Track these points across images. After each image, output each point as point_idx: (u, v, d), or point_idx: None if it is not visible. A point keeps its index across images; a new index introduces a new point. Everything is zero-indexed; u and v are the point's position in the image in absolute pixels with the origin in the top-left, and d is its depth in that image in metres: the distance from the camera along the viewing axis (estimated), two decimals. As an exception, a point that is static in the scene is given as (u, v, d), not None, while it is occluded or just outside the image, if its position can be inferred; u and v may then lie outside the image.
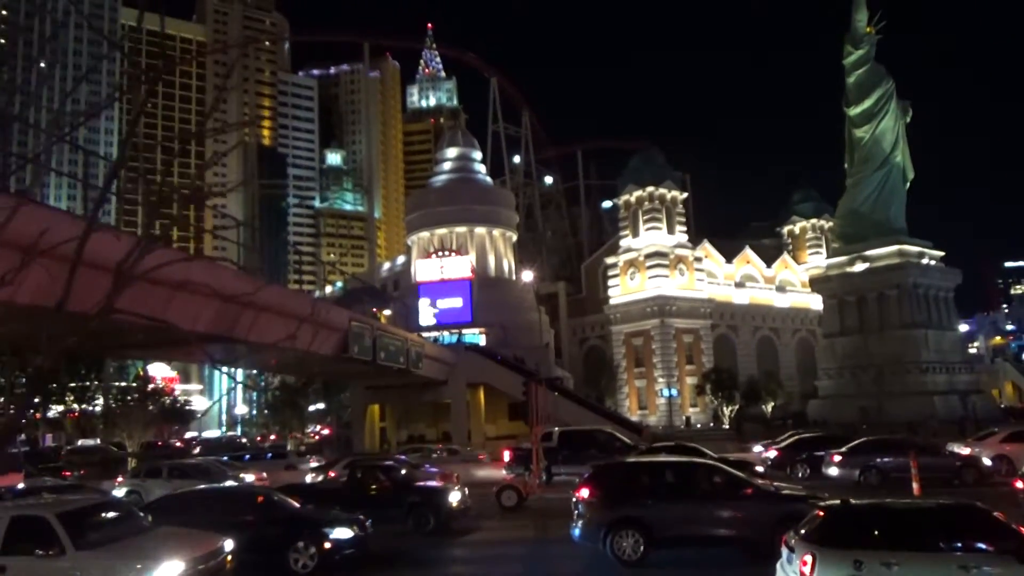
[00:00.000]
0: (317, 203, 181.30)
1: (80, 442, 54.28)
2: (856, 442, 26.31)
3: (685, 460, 16.03)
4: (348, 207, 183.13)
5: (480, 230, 72.50)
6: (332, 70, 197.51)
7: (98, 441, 53.38)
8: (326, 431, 69.27)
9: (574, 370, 79.40)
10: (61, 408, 58.50)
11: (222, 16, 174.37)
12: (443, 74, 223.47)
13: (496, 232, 73.64)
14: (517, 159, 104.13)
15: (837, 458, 25.31)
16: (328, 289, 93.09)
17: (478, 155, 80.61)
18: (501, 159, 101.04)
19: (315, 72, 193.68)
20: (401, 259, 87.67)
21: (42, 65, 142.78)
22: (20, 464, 28.94)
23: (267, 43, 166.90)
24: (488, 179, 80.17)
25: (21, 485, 26.48)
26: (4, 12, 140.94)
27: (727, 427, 63.35)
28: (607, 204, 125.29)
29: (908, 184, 69.89)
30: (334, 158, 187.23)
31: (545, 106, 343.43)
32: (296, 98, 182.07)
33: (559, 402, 44.36)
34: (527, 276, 69.56)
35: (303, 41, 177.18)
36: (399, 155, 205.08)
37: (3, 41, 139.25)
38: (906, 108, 69.92)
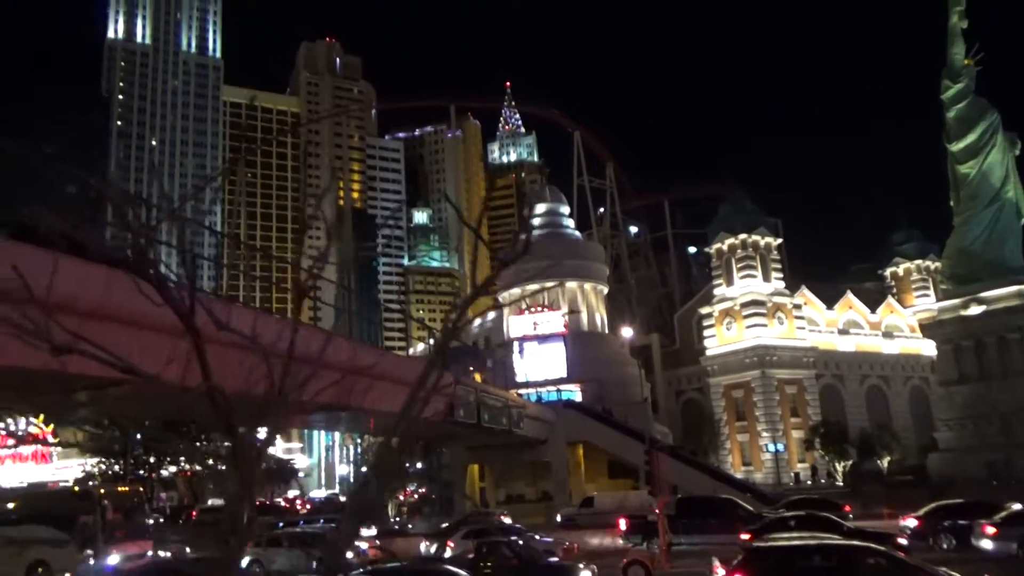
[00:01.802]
0: (406, 261, 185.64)
1: (211, 501, 55.34)
2: (1014, 510, 24.07)
3: (847, 544, 14.85)
4: (435, 264, 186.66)
5: (572, 284, 72.20)
6: (416, 132, 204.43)
7: (219, 501, 54.47)
8: (423, 490, 69.24)
9: (672, 424, 77.16)
10: (174, 468, 60.54)
11: (314, 87, 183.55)
12: (523, 130, 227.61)
13: (587, 286, 73.19)
14: (602, 210, 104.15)
15: (991, 529, 23.17)
16: (420, 347, 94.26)
17: (566, 209, 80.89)
18: (587, 211, 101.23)
19: (400, 135, 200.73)
20: (492, 315, 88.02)
21: (153, 143, 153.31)
22: (149, 532, 29.79)
23: (355, 111, 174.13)
24: (577, 233, 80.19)
25: (150, 553, 27.22)
26: (120, 96, 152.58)
27: (841, 484, 59.83)
28: (692, 250, 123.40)
29: (1023, 220, 65.85)
30: (421, 217, 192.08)
31: (629, 155, 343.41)
32: (383, 160, 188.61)
33: (673, 464, 42.92)
34: (624, 332, 68.65)
35: (389, 109, 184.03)
36: (483, 200, 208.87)
37: (120, 123, 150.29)
38: (1014, 141, 66.37)
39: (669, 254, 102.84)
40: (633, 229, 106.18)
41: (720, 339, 77.95)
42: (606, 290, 76.72)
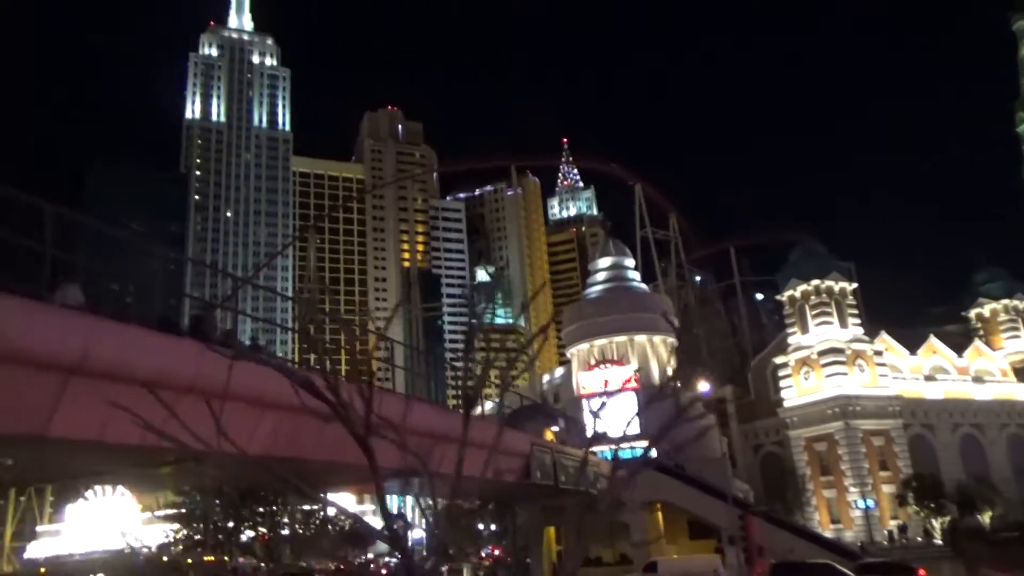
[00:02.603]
0: (470, 319, 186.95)
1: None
2: None
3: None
4: (500, 321, 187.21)
5: (640, 338, 71.16)
6: (477, 191, 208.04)
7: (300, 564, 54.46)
8: (498, 553, 67.91)
9: (751, 480, 74.20)
10: (251, 533, 61.02)
11: (377, 154, 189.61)
12: (581, 184, 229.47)
13: (656, 339, 71.98)
14: (665, 261, 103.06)
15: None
16: (488, 405, 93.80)
17: (630, 262, 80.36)
18: (651, 263, 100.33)
19: (462, 195, 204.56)
20: (560, 371, 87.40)
21: (228, 215, 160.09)
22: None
23: (418, 175, 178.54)
24: (643, 286, 79.43)
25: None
26: (197, 172, 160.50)
27: (940, 543, 56.09)
28: (760, 297, 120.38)
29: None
30: (484, 275, 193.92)
31: (691, 204, 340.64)
32: (446, 221, 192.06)
33: (760, 524, 41.02)
34: (697, 385, 66.98)
35: (450, 171, 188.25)
36: (545, 266, 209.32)
37: (197, 197, 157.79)
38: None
39: (738, 303, 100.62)
40: (699, 279, 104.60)
41: (798, 389, 75.19)
42: (676, 342, 75.30)
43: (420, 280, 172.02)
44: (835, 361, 72.34)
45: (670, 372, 72.22)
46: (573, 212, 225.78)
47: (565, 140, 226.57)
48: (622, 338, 70.63)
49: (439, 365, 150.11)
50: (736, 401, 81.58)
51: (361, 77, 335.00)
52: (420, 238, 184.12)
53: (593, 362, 69.65)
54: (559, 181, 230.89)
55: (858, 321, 76.24)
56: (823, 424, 71.82)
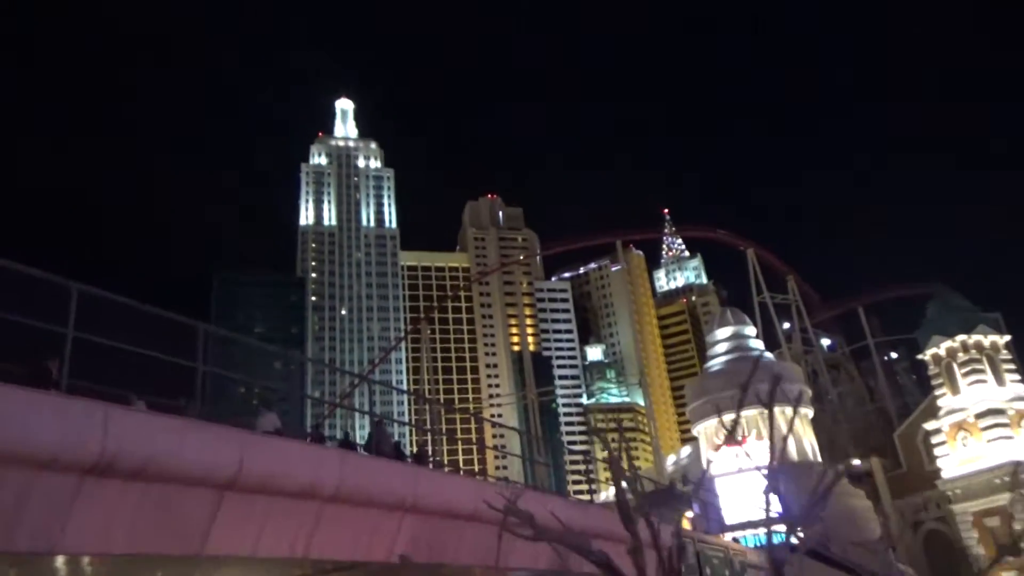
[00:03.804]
0: (584, 400, 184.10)
1: None
2: None
3: None
4: (614, 399, 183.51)
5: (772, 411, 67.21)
6: (581, 270, 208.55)
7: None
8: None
9: (914, 563, 67.13)
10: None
11: (480, 242, 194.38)
12: (687, 253, 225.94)
13: (789, 410, 67.69)
14: (787, 325, 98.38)
15: None
16: (611, 491, 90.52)
17: (751, 330, 77.05)
18: (772, 330, 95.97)
19: (567, 275, 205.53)
20: (686, 451, 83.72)
21: (343, 312, 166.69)
22: None
23: (521, 260, 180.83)
24: (769, 354, 75.72)
25: None
26: (313, 274, 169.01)
27: None
28: (894, 356, 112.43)
29: None
30: (594, 353, 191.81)
31: (807, 264, 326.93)
32: (553, 302, 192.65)
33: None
34: (838, 457, 62.31)
35: (553, 253, 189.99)
36: (657, 339, 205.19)
37: (314, 298, 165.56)
38: None
39: (873, 365, 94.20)
40: (826, 342, 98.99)
41: (957, 457, 68.42)
42: (811, 413, 70.74)
43: (532, 363, 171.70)
44: (997, 424, 65.58)
45: (808, 446, 67.64)
46: (681, 282, 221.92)
47: (666, 211, 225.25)
48: (752, 412, 66.78)
49: (558, 451, 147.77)
50: (886, 474, 75.07)
51: (460, 168, 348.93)
52: (529, 321, 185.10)
53: (722, 439, 66.13)
54: (663, 252, 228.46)
55: (1017, 377, 69.33)
56: (992, 496, 64.53)
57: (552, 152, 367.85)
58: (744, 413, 68.38)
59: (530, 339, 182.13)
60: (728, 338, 74.82)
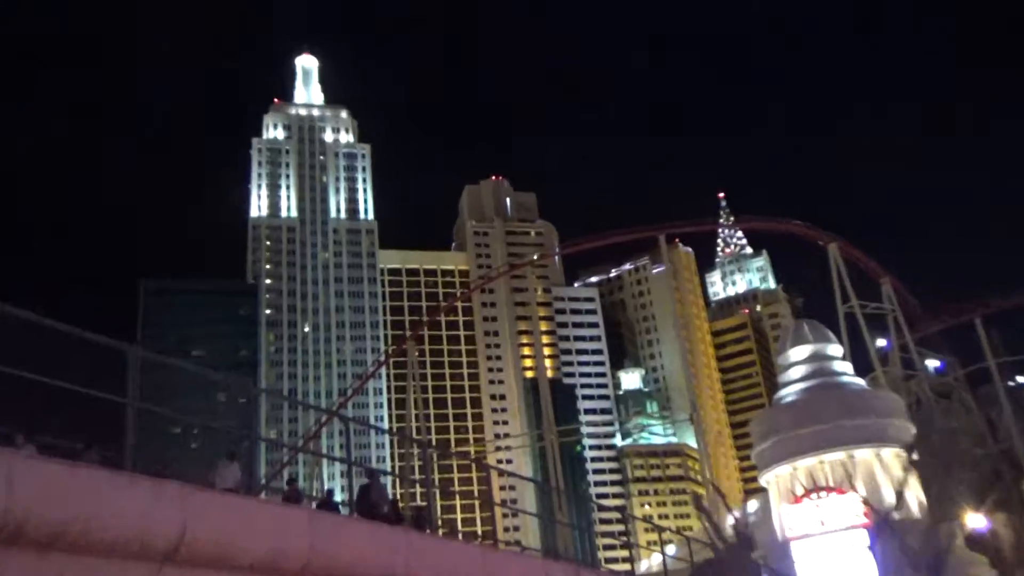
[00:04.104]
0: (618, 440, 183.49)
1: None
2: None
3: None
4: (657, 440, 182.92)
5: (863, 454, 66.85)
6: (612, 273, 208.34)
7: None
8: None
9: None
10: None
11: (483, 237, 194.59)
12: (749, 250, 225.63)
13: (886, 452, 67.43)
14: (882, 342, 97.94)
15: None
16: (654, 559, 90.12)
17: (836, 349, 76.79)
18: (864, 348, 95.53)
19: (594, 279, 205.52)
20: (753, 506, 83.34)
21: (306, 329, 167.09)
22: None
23: (536, 259, 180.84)
24: (859, 381, 75.40)
25: None
26: (268, 280, 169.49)
27: None
28: (1021, 380, 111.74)
29: None
30: (631, 380, 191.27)
31: (907, 264, 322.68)
32: (576, 315, 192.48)
33: None
34: (952, 513, 61.81)
35: (577, 251, 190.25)
36: (711, 362, 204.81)
37: (269, 311, 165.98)
38: None
39: (995, 393, 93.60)
40: (934, 364, 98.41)
41: (1109, 513, 67.88)
42: (915, 454, 70.22)
43: (550, 393, 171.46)
44: None
45: (913, 499, 67.13)
46: (741, 288, 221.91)
47: (722, 194, 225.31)
48: (838, 455, 66.55)
49: (584, 507, 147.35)
50: (1014, 535, 74.48)
51: (455, 144, 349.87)
52: (545, 339, 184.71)
53: (800, 491, 65.77)
54: (719, 249, 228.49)
55: None
56: None
57: (573, 119, 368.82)
58: (826, 457, 68.62)
59: (547, 362, 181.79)
60: (805, 359, 74.53)
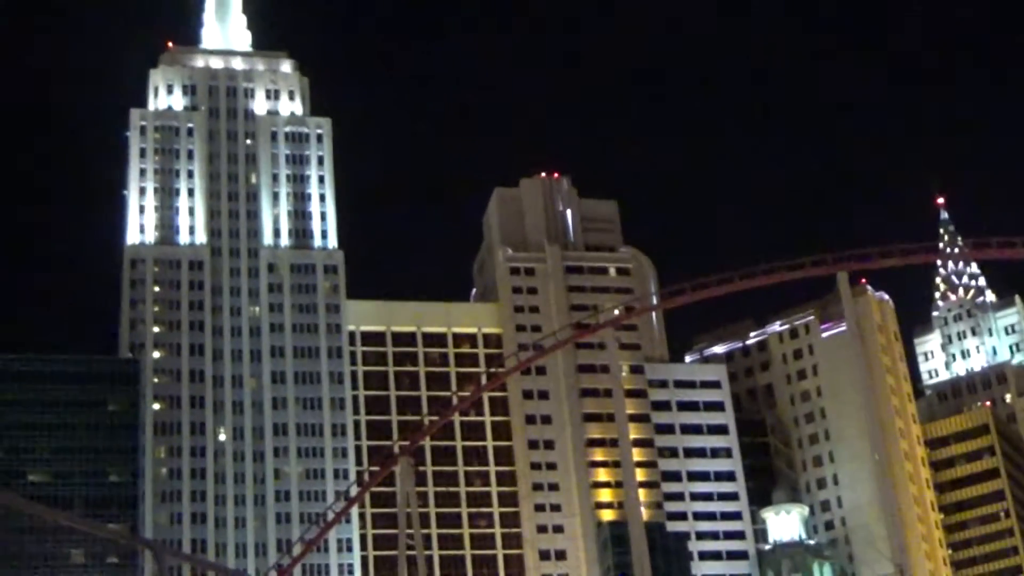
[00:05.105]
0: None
1: None
2: None
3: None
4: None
5: None
6: (751, 337, 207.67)
7: None
8: None
9: None
10: None
11: (525, 277, 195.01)
12: (990, 296, 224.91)
13: None
14: None
15: None
16: None
17: None
18: None
19: (718, 349, 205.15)
20: None
21: (221, 438, 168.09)
22: None
23: (620, 313, 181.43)
24: None
25: None
26: (156, 355, 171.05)
27: None
28: None
29: None
30: (784, 524, 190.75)
31: None
32: (688, 411, 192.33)
33: None
34: None
35: (689, 303, 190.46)
36: (925, 489, 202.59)
37: (158, 406, 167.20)
38: None
39: None
40: None
41: None
42: None
43: (646, 542, 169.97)
44: None
45: None
46: (977, 362, 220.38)
47: (940, 200, 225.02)
48: None
49: None
50: None
51: (466, 127, 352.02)
52: (637, 454, 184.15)
53: None
54: (936, 295, 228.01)
55: None
56: None
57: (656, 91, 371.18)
58: None
59: (640, 494, 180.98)
60: None
